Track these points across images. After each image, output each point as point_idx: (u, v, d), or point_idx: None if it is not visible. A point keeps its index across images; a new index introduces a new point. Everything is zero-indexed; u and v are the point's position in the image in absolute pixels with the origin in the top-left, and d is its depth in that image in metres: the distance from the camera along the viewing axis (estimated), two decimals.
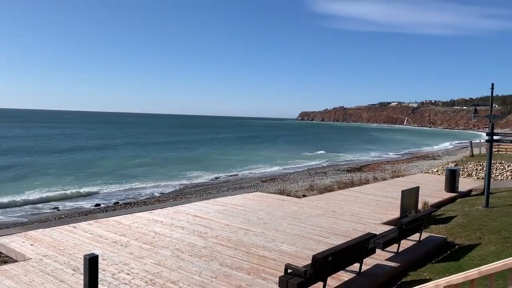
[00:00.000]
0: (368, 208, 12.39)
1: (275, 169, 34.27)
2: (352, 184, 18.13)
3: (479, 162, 22.91)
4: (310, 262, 6.36)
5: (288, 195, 15.07)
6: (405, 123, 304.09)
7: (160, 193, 22.45)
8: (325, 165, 38.08)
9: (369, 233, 7.32)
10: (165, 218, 10.63)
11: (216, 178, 28.67)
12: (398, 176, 20.82)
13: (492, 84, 13.59)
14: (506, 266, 2.94)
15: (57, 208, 17.93)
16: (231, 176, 29.75)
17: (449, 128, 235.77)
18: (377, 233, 8.86)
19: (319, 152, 52.43)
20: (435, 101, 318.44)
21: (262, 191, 19.92)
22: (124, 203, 18.69)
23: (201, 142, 65.45)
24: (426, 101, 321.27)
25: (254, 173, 31.44)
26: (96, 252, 7.75)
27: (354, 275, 6.99)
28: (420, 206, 12.29)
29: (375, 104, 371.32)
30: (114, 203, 18.88)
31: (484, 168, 20.83)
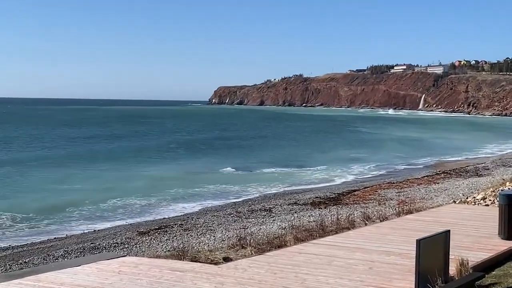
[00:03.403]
0: (354, 279, 12.70)
1: (168, 205, 34.14)
2: (322, 230, 18.46)
3: None
4: None
5: (195, 259, 15.03)
6: (421, 105, 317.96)
7: None
8: (269, 192, 38.57)
9: None
10: None
11: (41, 229, 28.08)
12: (410, 212, 21.51)
13: None
14: None
15: None
16: (74, 224, 29.21)
17: (505, 114, 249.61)
18: None
19: (258, 168, 53.26)
20: (476, 62, 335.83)
21: (140, 253, 19.52)
22: None
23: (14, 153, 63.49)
24: (460, 62, 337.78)
25: (124, 218, 31.09)
26: None
27: None
28: (453, 268, 12.79)
29: (364, 70, 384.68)
30: None
31: None
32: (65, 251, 22.28)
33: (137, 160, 59.93)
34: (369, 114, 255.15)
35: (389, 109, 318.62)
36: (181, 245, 18.82)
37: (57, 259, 20.71)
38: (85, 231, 27.58)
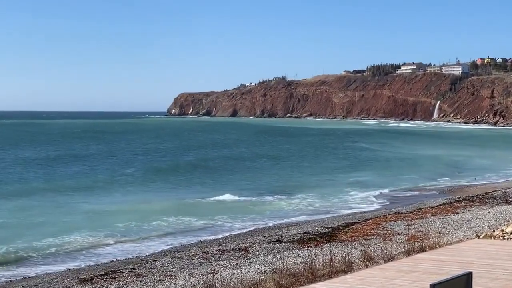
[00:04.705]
0: None
1: (116, 244, 34.13)
2: (311, 275, 18.47)
3: None
4: None
5: None
6: (435, 115, 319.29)
7: None
8: (246, 229, 38.56)
9: None
10: None
11: None
12: (422, 250, 21.56)
13: None
14: None
15: None
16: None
17: None
18: None
19: (231, 196, 53.09)
20: (503, 60, 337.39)
21: None
22: None
23: None
24: (483, 61, 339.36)
25: (62, 260, 30.93)
26: None
27: None
28: None
29: (363, 71, 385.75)
30: None
31: None
32: None
33: (80, 188, 59.55)
34: (376, 127, 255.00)
35: (397, 119, 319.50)
36: None
37: None
38: (12, 279, 27.40)
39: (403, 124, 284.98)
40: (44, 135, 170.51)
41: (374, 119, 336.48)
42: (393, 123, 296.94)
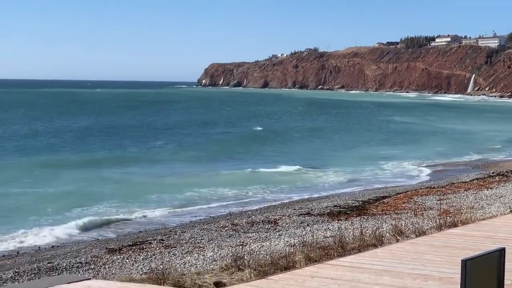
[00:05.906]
0: None
1: (145, 215, 34.26)
2: (341, 248, 18.38)
3: None
4: None
5: (179, 284, 14.96)
6: (470, 89, 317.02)
7: None
8: (276, 202, 38.58)
9: None
10: None
11: None
12: (454, 225, 21.42)
13: None
14: None
15: None
16: (27, 238, 29.11)
17: None
18: None
19: (263, 167, 53.55)
20: None
21: (110, 276, 19.44)
22: None
23: None
24: None
25: (91, 231, 31.04)
26: None
27: None
28: None
29: (396, 44, 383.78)
30: None
31: None
32: (16, 272, 22.11)
33: (111, 158, 59.92)
34: (414, 100, 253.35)
35: (430, 92, 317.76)
36: (161, 266, 18.75)
37: (5, 282, 20.61)
38: (41, 247, 27.57)
39: (440, 98, 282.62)
40: (75, 103, 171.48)
41: (407, 91, 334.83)
42: (431, 97, 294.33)
